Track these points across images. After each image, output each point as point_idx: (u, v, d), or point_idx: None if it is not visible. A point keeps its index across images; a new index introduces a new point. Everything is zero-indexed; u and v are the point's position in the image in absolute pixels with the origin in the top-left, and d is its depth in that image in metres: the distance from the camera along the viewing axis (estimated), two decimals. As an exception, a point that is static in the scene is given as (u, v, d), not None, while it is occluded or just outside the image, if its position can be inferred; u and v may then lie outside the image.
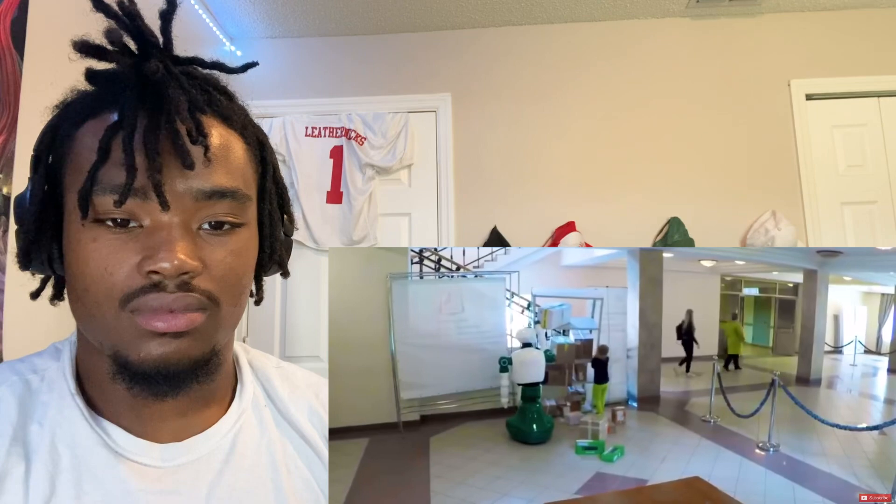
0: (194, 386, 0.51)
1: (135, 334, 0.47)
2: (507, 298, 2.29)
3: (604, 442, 1.45)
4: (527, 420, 1.74)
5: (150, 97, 0.46)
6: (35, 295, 0.58)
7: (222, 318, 0.51)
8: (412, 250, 2.16)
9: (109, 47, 0.45)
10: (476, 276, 2.36)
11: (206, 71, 0.54)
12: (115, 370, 0.49)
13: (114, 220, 0.47)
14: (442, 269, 2.59)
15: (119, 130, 0.46)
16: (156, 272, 0.46)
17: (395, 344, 1.80)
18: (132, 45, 0.46)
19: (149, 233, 0.47)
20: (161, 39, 0.48)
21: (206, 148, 0.48)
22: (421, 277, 2.19)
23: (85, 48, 0.45)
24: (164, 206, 0.46)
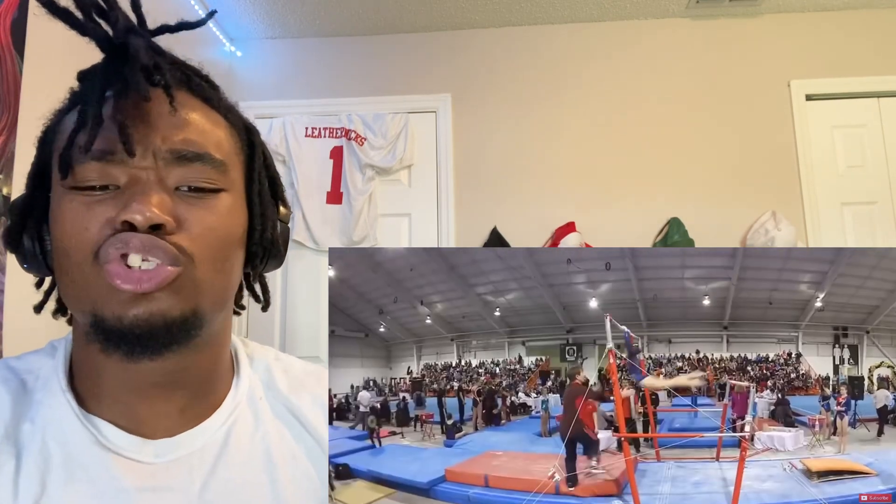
0: (172, 348, 0.50)
1: (109, 290, 0.47)
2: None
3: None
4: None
5: (120, 61, 0.47)
6: (38, 308, 0.59)
7: (200, 280, 0.50)
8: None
9: (77, 14, 0.46)
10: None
11: (201, 69, 0.57)
12: (91, 332, 0.49)
13: (93, 188, 0.48)
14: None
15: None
16: (128, 222, 0.46)
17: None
18: (106, 26, 0.47)
19: (124, 189, 0.48)
20: (135, 19, 0.49)
21: (171, 97, 0.48)
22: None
23: (50, 6, 0.46)
24: (129, 147, 0.46)
